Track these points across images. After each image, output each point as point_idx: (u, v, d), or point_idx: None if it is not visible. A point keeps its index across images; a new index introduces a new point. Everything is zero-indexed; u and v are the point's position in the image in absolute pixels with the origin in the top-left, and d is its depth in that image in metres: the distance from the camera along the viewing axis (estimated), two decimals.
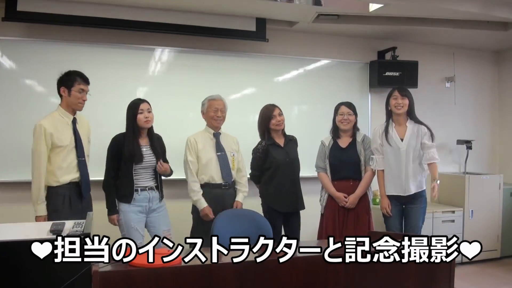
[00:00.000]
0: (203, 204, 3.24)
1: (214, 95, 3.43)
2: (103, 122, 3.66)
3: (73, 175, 2.93)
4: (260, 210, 3.38)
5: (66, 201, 2.89)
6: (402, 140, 3.36)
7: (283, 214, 3.42)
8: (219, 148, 3.37)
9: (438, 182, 3.34)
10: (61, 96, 2.96)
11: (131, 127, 3.08)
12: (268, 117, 3.42)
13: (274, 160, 3.38)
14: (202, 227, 3.23)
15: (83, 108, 2.99)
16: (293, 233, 3.42)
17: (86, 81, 2.96)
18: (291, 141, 3.52)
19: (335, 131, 3.50)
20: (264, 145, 3.41)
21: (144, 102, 3.10)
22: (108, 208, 3.10)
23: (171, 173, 3.26)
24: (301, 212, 3.52)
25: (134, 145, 3.04)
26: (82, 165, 2.96)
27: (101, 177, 3.12)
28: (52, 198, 2.89)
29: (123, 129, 3.13)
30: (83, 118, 3.12)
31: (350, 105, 3.45)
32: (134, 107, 3.08)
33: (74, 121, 2.98)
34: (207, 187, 3.31)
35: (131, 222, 3.04)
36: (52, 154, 2.87)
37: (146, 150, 3.10)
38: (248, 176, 3.57)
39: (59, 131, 2.88)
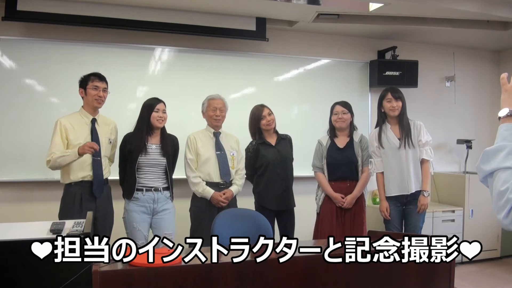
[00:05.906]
0: (210, 191, 3.25)
1: (213, 94, 3.45)
2: None
3: (85, 173, 2.97)
4: None
5: (77, 200, 2.93)
6: (399, 139, 3.36)
7: (274, 212, 3.44)
8: (218, 147, 3.38)
9: (427, 195, 3.33)
10: (82, 98, 3.07)
11: (143, 125, 3.09)
12: (258, 118, 3.47)
13: (264, 158, 3.42)
14: (201, 224, 3.25)
15: (102, 105, 3.07)
16: (287, 231, 3.44)
17: (100, 77, 3.05)
18: (284, 140, 3.55)
19: (332, 131, 3.51)
20: (254, 144, 3.47)
21: (161, 103, 3.14)
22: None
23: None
24: (297, 211, 3.54)
25: (140, 139, 3.05)
26: (96, 165, 2.99)
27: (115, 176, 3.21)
28: (63, 196, 2.97)
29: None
30: (109, 120, 3.19)
31: (345, 104, 3.45)
32: (150, 106, 3.11)
33: (93, 121, 3.04)
34: None
35: (133, 222, 3.07)
36: None
37: (155, 148, 3.12)
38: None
39: (74, 129, 2.97)
